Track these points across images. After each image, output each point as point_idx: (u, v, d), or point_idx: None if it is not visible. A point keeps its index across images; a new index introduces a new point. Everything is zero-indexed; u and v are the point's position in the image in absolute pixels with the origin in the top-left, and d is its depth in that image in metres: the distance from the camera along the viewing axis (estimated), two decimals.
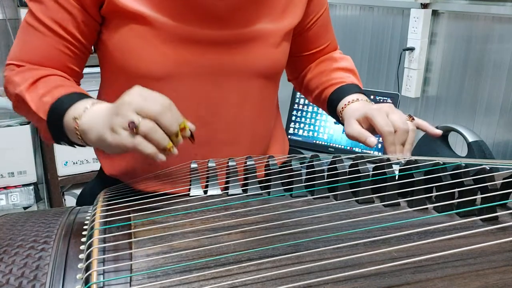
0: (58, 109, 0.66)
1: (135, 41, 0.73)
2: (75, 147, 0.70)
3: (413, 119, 0.78)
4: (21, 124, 1.84)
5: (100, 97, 0.87)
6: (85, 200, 0.93)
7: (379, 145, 1.56)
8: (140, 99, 0.58)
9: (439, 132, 0.79)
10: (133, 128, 0.57)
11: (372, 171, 0.65)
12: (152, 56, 0.73)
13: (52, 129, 0.68)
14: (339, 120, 0.87)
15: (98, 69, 0.84)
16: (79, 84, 0.80)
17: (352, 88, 0.87)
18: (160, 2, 0.72)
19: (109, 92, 0.83)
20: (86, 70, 0.81)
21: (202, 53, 0.75)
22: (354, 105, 0.83)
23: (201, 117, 0.78)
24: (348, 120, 0.81)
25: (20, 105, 0.72)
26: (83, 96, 0.68)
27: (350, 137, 0.80)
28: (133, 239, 0.52)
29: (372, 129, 0.78)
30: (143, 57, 0.73)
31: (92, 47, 0.80)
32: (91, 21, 0.74)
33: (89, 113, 0.63)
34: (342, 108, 0.85)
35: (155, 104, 0.58)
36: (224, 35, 0.76)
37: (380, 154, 1.58)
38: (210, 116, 0.79)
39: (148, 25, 0.72)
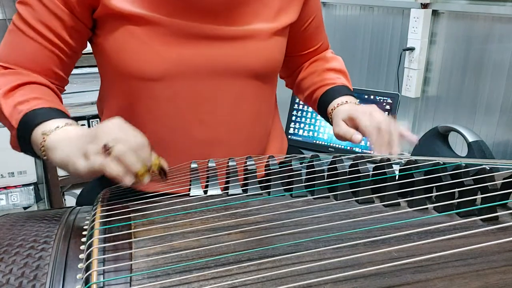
0: (30, 120, 0.65)
1: (130, 42, 0.73)
2: (42, 159, 0.69)
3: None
4: None
5: (101, 97, 0.87)
6: (85, 200, 0.93)
7: None
8: (118, 131, 0.59)
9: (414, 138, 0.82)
10: (107, 150, 0.57)
11: (372, 171, 0.65)
12: (148, 56, 0.73)
13: (20, 138, 0.67)
14: (329, 120, 0.91)
15: (97, 69, 0.83)
16: (63, 90, 0.80)
17: (342, 90, 0.90)
18: (155, 1, 0.72)
19: (109, 93, 0.83)
20: (86, 70, 0.81)
21: (197, 51, 0.75)
22: (343, 107, 0.86)
23: (198, 116, 0.79)
24: (335, 121, 0.85)
25: None
26: (58, 114, 0.67)
27: (337, 136, 0.84)
28: (133, 239, 0.52)
29: (357, 128, 0.81)
30: (139, 58, 0.73)
31: (90, 48, 0.80)
32: (80, 26, 0.74)
33: (59, 133, 0.63)
34: (332, 110, 0.88)
35: (134, 139, 0.58)
36: (219, 32, 0.76)
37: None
38: (206, 115, 0.79)
39: (143, 25, 0.72)
